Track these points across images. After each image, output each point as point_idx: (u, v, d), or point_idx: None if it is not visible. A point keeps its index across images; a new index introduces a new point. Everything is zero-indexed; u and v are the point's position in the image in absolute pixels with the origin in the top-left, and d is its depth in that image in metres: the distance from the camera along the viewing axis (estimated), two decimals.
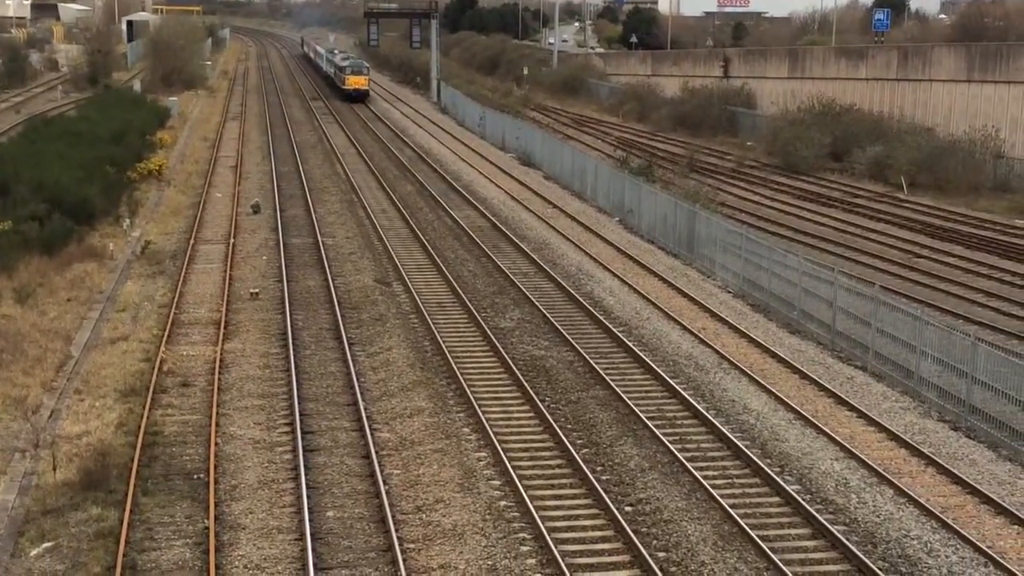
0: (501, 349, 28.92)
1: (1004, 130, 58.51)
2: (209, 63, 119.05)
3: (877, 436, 23.98)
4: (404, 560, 18.15)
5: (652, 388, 26.79)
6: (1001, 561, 18.47)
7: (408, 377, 27.14)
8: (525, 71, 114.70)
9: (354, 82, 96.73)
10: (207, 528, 19.14)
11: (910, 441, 23.45)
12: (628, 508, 20.36)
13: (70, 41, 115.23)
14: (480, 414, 24.29)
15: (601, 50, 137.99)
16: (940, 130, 61.91)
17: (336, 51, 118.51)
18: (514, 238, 42.81)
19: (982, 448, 23.47)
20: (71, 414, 24.51)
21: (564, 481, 21.47)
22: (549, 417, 24.25)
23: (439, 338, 29.66)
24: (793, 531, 19.66)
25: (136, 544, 18.68)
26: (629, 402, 25.32)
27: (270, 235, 43.09)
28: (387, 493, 20.65)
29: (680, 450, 22.77)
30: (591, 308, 33.19)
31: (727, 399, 26.09)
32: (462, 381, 26.37)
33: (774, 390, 26.37)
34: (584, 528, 19.56)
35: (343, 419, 24.65)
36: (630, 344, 29.71)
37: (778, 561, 18.20)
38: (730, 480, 21.68)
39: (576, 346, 29.35)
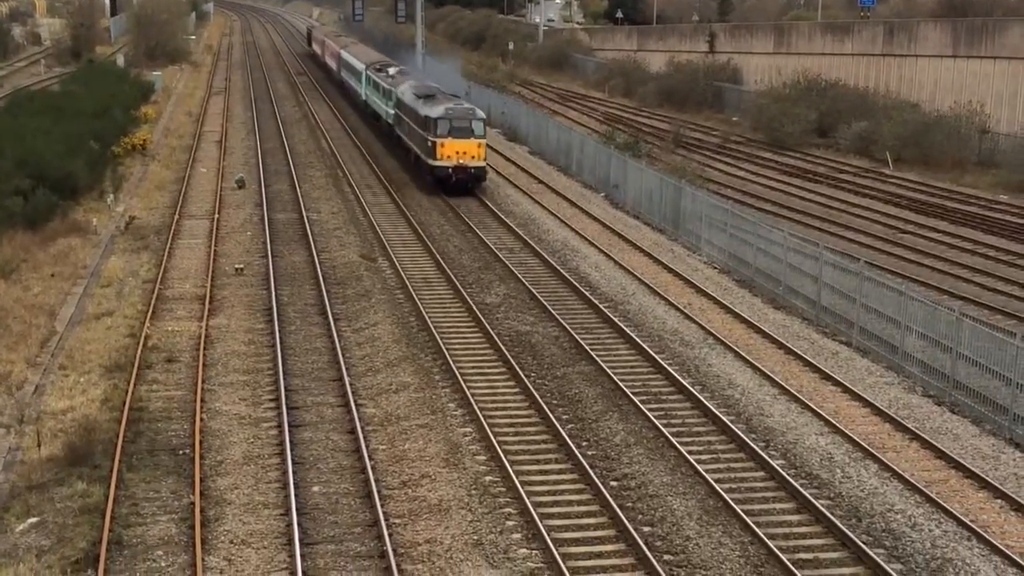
0: (486, 324, 28.91)
1: (989, 105, 58.59)
2: (193, 37, 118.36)
3: (861, 411, 24.07)
4: (390, 535, 18.18)
5: (637, 363, 26.83)
6: (984, 535, 18.57)
7: (393, 352, 27.13)
8: (511, 46, 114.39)
9: (457, 151, 45.30)
10: (193, 503, 19.13)
11: (894, 416, 23.55)
12: (613, 483, 20.41)
13: (53, 15, 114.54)
14: (465, 389, 24.30)
15: (587, 25, 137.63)
16: (925, 106, 61.97)
17: (391, 68, 62.84)
18: (499, 213, 42.73)
19: (966, 423, 23.58)
20: (56, 390, 24.45)
21: (549, 456, 21.50)
22: (535, 392, 24.27)
23: (424, 313, 29.63)
24: (778, 506, 19.74)
25: (122, 519, 18.67)
26: (614, 377, 25.35)
27: (255, 210, 42.95)
28: (373, 468, 20.66)
29: (665, 425, 22.82)
30: (576, 284, 33.19)
31: (712, 374, 26.14)
32: (447, 356, 26.36)
33: (759, 365, 26.43)
34: (569, 503, 19.60)
35: (328, 394, 24.64)
36: (615, 320, 29.73)
37: (763, 535, 18.28)
38: (715, 455, 21.73)
39: (561, 321, 29.35)
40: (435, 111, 45.65)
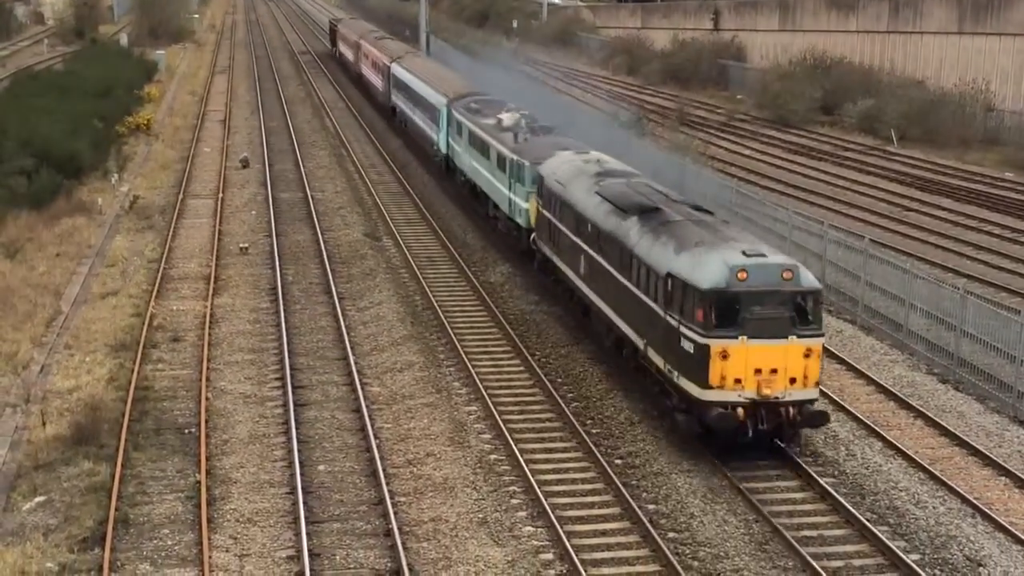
0: (491, 303, 28.91)
1: (995, 83, 58.35)
2: (196, 17, 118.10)
3: (866, 389, 24.07)
4: (395, 513, 18.22)
5: None
6: (988, 512, 18.60)
7: (398, 331, 27.14)
8: (515, 24, 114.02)
9: (758, 369, 19.30)
10: (199, 482, 19.19)
11: (899, 394, 23.55)
12: (618, 461, 20.43)
13: None
14: (470, 368, 24.32)
15: (591, 3, 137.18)
16: (931, 83, 61.72)
17: (506, 114, 34.18)
18: None
19: (970, 400, 23.58)
20: (61, 369, 24.50)
21: (554, 434, 21.53)
22: (539, 371, 24.28)
23: (429, 292, 29.64)
24: (782, 483, 19.75)
25: (128, 498, 18.73)
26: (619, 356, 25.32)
27: (259, 190, 42.91)
28: (378, 447, 20.70)
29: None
30: None
31: None
32: (452, 335, 26.38)
33: None
34: (574, 481, 19.63)
35: (334, 373, 24.67)
36: None
37: (767, 513, 18.31)
38: None
39: (564, 300, 29.30)
40: (701, 267, 19.96)
